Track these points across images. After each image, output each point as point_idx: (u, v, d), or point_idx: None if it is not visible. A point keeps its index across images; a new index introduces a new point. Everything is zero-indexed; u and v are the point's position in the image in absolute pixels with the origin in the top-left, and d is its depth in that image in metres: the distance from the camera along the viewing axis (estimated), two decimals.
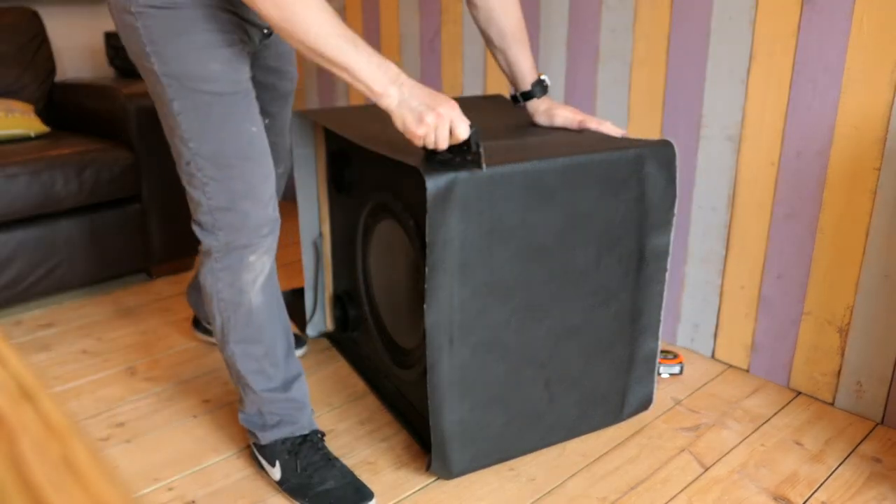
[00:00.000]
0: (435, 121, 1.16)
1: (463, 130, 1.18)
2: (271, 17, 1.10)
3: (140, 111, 2.21)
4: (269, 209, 1.32)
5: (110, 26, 2.88)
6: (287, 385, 1.41)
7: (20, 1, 2.63)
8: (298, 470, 1.38)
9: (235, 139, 1.27)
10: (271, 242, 1.34)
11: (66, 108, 2.52)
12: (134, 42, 1.23)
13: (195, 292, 1.80)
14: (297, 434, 1.41)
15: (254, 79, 1.36)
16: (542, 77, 1.50)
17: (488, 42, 1.48)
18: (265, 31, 1.37)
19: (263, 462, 1.43)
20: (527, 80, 1.48)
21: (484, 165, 1.23)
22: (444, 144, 1.19)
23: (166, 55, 1.21)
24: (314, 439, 1.42)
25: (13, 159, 2.01)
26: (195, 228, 1.35)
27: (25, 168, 2.00)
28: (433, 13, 2.35)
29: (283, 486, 1.39)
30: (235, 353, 1.37)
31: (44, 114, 2.50)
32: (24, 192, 2.00)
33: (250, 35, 1.32)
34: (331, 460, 1.41)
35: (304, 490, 1.36)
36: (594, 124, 1.48)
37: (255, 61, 1.45)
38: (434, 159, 1.25)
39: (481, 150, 1.22)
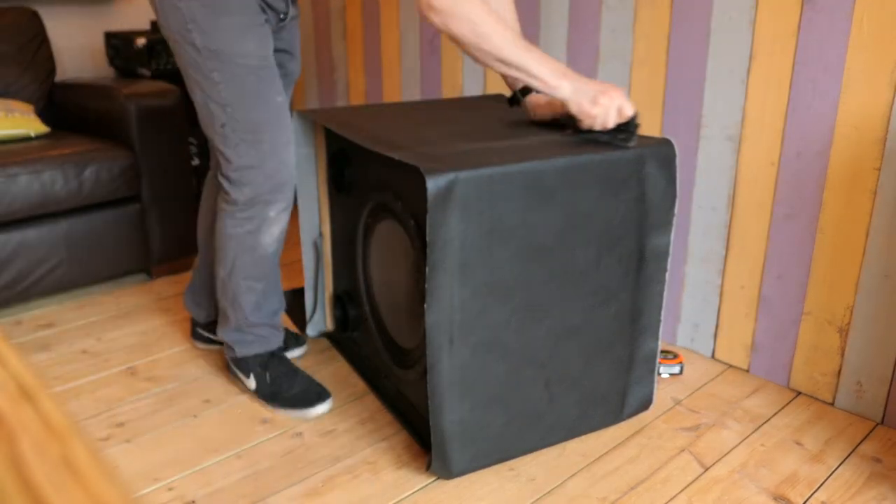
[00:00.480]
0: (608, 102, 1.34)
1: (629, 109, 1.37)
2: (464, 35, 1.31)
3: (140, 111, 2.21)
4: (289, 170, 1.53)
5: (110, 26, 2.88)
6: (272, 314, 1.69)
7: (20, 1, 2.63)
8: (269, 381, 1.66)
9: (265, 107, 1.48)
10: (290, 199, 1.56)
11: (66, 108, 2.52)
12: (176, 21, 1.43)
13: (194, 295, 1.87)
14: (268, 351, 1.69)
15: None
16: None
17: None
18: (281, 16, 1.58)
19: (238, 373, 1.71)
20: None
21: (632, 143, 1.39)
22: (612, 123, 1.37)
23: (209, 33, 1.42)
24: (279, 354, 1.71)
25: (13, 159, 2.01)
26: (223, 181, 1.55)
27: (25, 168, 2.00)
28: None
29: (258, 394, 1.67)
30: (240, 286, 1.61)
31: (44, 114, 2.50)
32: (24, 191, 2.00)
33: (269, 19, 1.53)
34: (295, 370, 1.69)
35: (276, 396, 1.65)
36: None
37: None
38: (589, 137, 1.43)
39: (636, 130, 1.40)
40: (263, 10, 1.50)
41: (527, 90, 1.51)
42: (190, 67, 1.48)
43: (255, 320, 1.65)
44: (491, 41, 1.30)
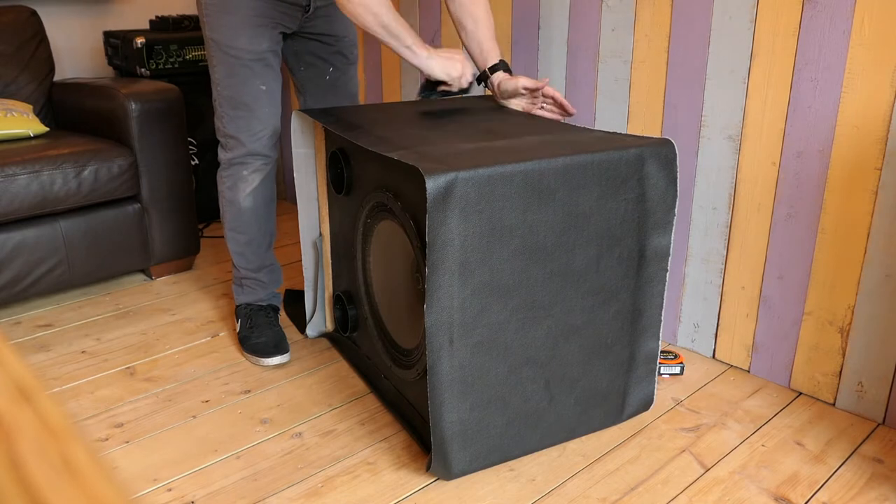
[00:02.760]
0: (461, 66, 1.70)
1: (469, 66, 1.73)
2: (358, 6, 1.59)
3: (140, 111, 2.21)
4: (261, 143, 1.84)
5: (110, 25, 2.88)
6: (259, 269, 1.96)
7: (19, 0, 2.62)
8: (248, 326, 1.94)
9: (247, 92, 1.80)
10: (260, 166, 1.86)
11: (65, 108, 2.51)
12: (200, 13, 1.82)
13: None
14: (257, 303, 1.98)
15: (314, 43, 1.94)
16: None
17: (462, 29, 1.78)
18: (306, 7, 1.83)
19: (236, 318, 2.01)
20: (494, 58, 1.77)
21: (472, 90, 1.77)
22: (466, 82, 1.72)
23: (212, 26, 1.77)
24: (267, 310, 1.98)
25: (12, 159, 2.00)
26: (219, 147, 1.89)
27: (25, 168, 2.00)
28: (433, 13, 2.34)
29: (238, 335, 1.96)
30: (228, 235, 1.94)
31: (43, 113, 2.50)
32: (24, 191, 2.00)
33: (291, 14, 1.82)
34: (272, 325, 1.94)
35: (245, 340, 1.92)
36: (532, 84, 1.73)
37: (305, 31, 1.91)
38: (434, 90, 1.75)
39: (473, 80, 1.75)
40: (273, 12, 1.77)
41: (494, 68, 1.76)
42: (206, 50, 1.87)
43: (243, 271, 1.96)
44: (379, 11, 1.60)
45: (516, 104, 1.77)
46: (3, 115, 2.21)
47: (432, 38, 2.37)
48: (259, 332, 1.92)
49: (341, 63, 2.00)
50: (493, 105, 1.82)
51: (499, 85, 1.75)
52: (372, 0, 1.59)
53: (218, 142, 1.88)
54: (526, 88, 1.72)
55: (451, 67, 1.68)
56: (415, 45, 1.65)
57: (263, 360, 1.86)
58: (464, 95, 1.77)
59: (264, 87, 1.81)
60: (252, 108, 1.80)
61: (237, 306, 2.00)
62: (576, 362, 1.45)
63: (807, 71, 1.55)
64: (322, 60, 1.96)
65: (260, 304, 1.98)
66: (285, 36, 1.88)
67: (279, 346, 1.88)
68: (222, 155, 1.87)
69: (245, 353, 1.90)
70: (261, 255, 1.96)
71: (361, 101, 2.72)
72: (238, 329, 1.97)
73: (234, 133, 1.82)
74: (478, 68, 1.79)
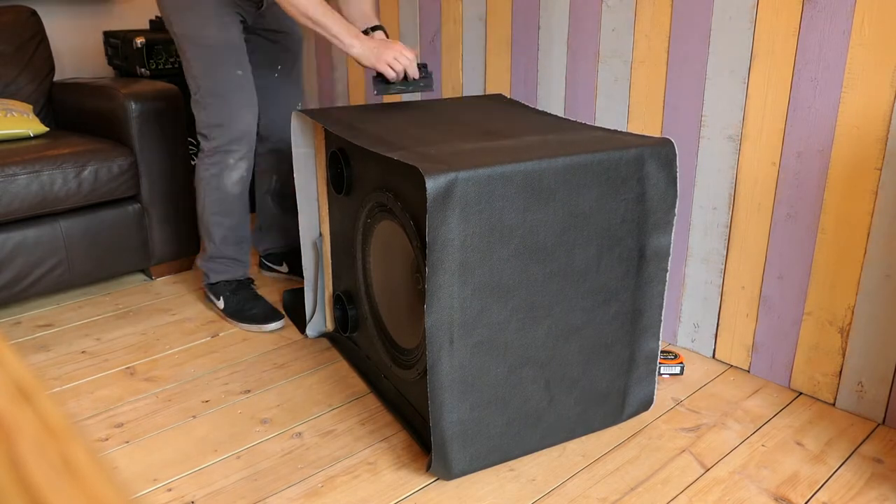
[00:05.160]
0: (390, 56, 1.74)
1: (407, 59, 1.77)
2: None
3: (140, 111, 2.21)
4: (246, 126, 1.92)
5: (109, 25, 2.88)
6: (238, 244, 2.07)
7: (19, 0, 2.62)
8: (235, 302, 2.06)
9: (226, 79, 1.88)
10: (247, 151, 1.96)
11: (65, 108, 2.51)
12: (163, 13, 1.89)
13: (257, 233, 2.37)
14: (235, 279, 2.09)
15: (261, 39, 2.05)
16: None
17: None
18: (258, 2, 1.94)
19: (211, 296, 2.11)
20: (374, 21, 1.89)
21: (432, 87, 1.83)
22: (414, 64, 1.79)
23: (180, 23, 1.86)
24: (247, 284, 2.12)
25: (12, 159, 2.00)
26: (199, 136, 1.96)
27: (24, 168, 2.00)
28: (433, 13, 2.34)
29: (225, 311, 2.07)
30: (212, 221, 2.02)
31: (43, 113, 2.50)
32: (24, 191, 2.00)
33: (247, 8, 1.94)
34: (257, 297, 2.09)
35: (239, 314, 2.04)
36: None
37: (258, 26, 2.02)
38: (386, 84, 1.79)
39: (431, 75, 1.82)
40: (232, 3, 1.88)
41: (377, 28, 1.86)
42: (178, 50, 1.92)
43: (224, 250, 2.05)
44: (301, 4, 1.69)
45: None
46: (3, 115, 2.21)
47: (432, 38, 2.37)
48: (251, 304, 2.05)
49: (288, 59, 2.13)
50: (493, 104, 1.82)
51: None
52: None
53: (199, 133, 1.96)
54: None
55: (383, 54, 1.73)
56: (341, 33, 1.71)
57: (265, 326, 1.99)
58: (422, 89, 1.82)
59: (241, 72, 1.90)
60: (233, 93, 1.89)
61: (213, 284, 2.09)
62: (576, 362, 1.45)
63: (807, 71, 1.55)
64: (269, 56, 2.09)
65: (240, 278, 2.10)
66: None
67: (275, 313, 2.03)
68: (206, 144, 1.94)
69: (240, 324, 2.02)
70: (241, 233, 2.07)
71: (362, 101, 2.72)
72: (223, 306, 2.06)
73: (218, 121, 1.90)
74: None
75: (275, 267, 2.40)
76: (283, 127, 2.23)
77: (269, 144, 2.24)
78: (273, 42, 2.09)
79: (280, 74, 2.15)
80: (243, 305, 2.04)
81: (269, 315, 2.03)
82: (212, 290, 2.10)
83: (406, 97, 2.37)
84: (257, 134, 2.22)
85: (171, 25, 1.88)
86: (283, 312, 2.08)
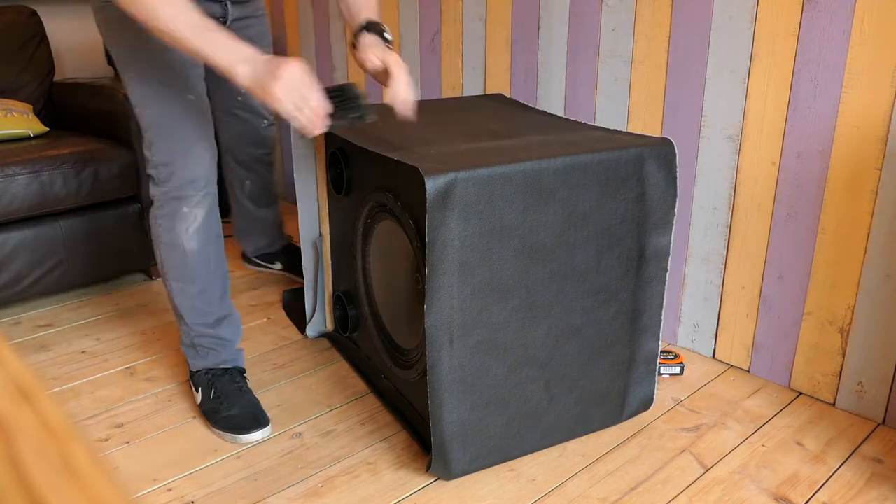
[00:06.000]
0: (284, 93, 1.23)
1: (313, 98, 1.25)
2: (134, 12, 1.23)
3: None
4: (202, 167, 1.52)
5: None
6: (217, 322, 1.64)
7: (19, 0, 2.62)
8: (212, 397, 1.61)
9: (170, 106, 1.48)
10: (203, 196, 1.54)
11: (65, 108, 2.51)
12: (101, 32, 1.51)
13: (240, 233, 2.24)
14: (220, 367, 1.65)
15: None
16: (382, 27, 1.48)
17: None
18: (220, 20, 1.63)
19: (192, 386, 1.68)
20: (370, 14, 1.48)
21: (370, 118, 1.32)
22: (304, 113, 1.27)
23: (119, 38, 1.46)
24: (234, 374, 1.65)
25: (12, 159, 2.00)
26: (148, 181, 1.57)
27: (24, 168, 2.00)
28: (433, 13, 2.34)
29: (201, 408, 1.62)
30: (172, 288, 1.60)
31: (43, 113, 2.50)
32: (23, 191, 2.00)
33: (210, 12, 1.53)
34: (242, 391, 1.62)
35: (214, 414, 1.58)
36: (395, 69, 1.39)
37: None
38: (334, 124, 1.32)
39: (362, 103, 1.31)
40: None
41: (371, 27, 1.44)
42: (118, 68, 1.51)
43: (198, 328, 1.62)
44: (160, 20, 1.21)
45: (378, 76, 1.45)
46: (3, 115, 2.21)
47: (432, 38, 2.37)
48: (229, 402, 1.58)
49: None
50: (493, 104, 1.82)
51: (364, 52, 1.43)
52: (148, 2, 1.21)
53: (148, 176, 1.57)
54: (386, 81, 1.41)
55: (273, 88, 1.22)
56: (216, 53, 1.23)
57: (241, 436, 1.53)
58: (356, 122, 1.34)
59: (192, 97, 1.51)
60: (183, 124, 1.49)
61: (192, 373, 1.67)
62: (576, 362, 1.45)
63: (807, 71, 1.55)
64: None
65: (223, 366, 1.65)
66: None
67: (258, 418, 1.56)
68: (154, 190, 1.55)
69: (215, 429, 1.56)
70: (216, 306, 1.63)
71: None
72: (199, 401, 1.63)
73: (167, 159, 1.50)
74: (348, 26, 1.50)
75: (269, 266, 2.33)
76: (253, 140, 2.04)
77: (240, 155, 2.07)
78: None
79: (242, 97, 1.87)
80: (221, 403, 1.58)
81: (250, 420, 1.56)
82: (192, 378, 1.68)
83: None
84: (225, 147, 2.05)
85: (110, 44, 1.50)
86: (267, 416, 1.58)
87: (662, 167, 1.40)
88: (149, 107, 1.49)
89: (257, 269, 2.37)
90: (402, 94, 1.39)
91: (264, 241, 2.28)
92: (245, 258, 2.37)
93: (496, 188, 1.26)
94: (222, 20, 1.64)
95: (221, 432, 1.55)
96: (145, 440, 1.56)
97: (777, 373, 1.75)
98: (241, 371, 1.68)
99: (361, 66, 1.45)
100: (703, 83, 1.73)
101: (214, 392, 1.61)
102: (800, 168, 1.61)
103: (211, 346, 1.64)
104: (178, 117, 1.49)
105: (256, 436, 1.54)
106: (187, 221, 1.54)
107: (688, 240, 1.85)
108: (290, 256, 2.31)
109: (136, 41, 1.45)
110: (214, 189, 1.57)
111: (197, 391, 1.64)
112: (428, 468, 1.42)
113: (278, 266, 2.31)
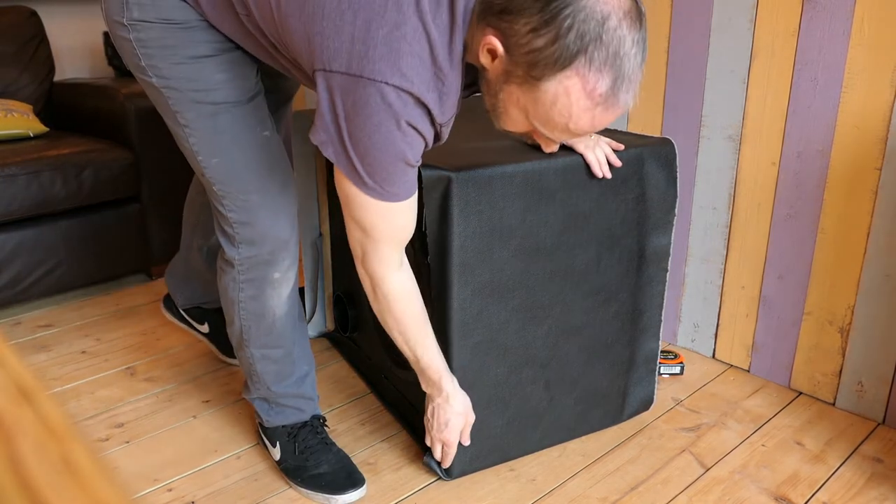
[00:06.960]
0: (441, 436, 1.34)
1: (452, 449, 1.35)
2: (389, 316, 1.23)
3: (140, 111, 2.21)
4: (291, 220, 1.28)
5: None
6: (302, 380, 1.44)
7: (19, 0, 2.62)
8: (296, 453, 1.42)
9: (246, 149, 1.21)
10: (294, 257, 1.31)
11: (65, 108, 2.51)
12: (128, 54, 1.17)
13: (174, 279, 1.77)
14: (300, 421, 1.45)
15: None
16: None
17: None
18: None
19: (266, 440, 1.48)
20: None
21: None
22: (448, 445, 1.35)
23: (164, 68, 1.15)
24: (315, 424, 1.46)
25: (12, 159, 2.00)
26: (220, 236, 1.30)
27: (24, 168, 2.00)
28: None
29: (281, 465, 1.44)
30: (255, 356, 1.39)
31: (43, 114, 2.50)
32: (24, 192, 2.00)
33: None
34: (328, 444, 1.44)
35: (300, 472, 1.40)
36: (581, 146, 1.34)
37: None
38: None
39: None
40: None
41: None
42: (158, 109, 1.23)
43: (281, 391, 1.42)
44: (398, 324, 1.24)
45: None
46: (3, 115, 2.21)
47: None
48: (316, 458, 1.41)
49: (284, 110, 1.54)
50: None
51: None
52: (400, 298, 1.20)
53: (222, 232, 1.30)
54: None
55: (434, 418, 1.32)
56: (430, 368, 1.27)
57: (335, 497, 1.36)
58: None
59: (267, 134, 1.24)
60: (261, 171, 1.23)
61: (266, 428, 1.47)
62: (576, 362, 1.45)
63: (807, 71, 1.55)
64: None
65: (304, 420, 1.46)
66: None
67: (352, 476, 1.39)
68: (232, 252, 1.29)
69: (301, 489, 1.39)
70: (301, 362, 1.44)
71: None
72: (278, 457, 1.44)
73: (249, 218, 1.25)
74: None
75: (195, 325, 1.82)
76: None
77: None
78: (269, 88, 1.38)
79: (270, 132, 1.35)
80: (307, 460, 1.41)
81: (343, 478, 1.38)
82: (265, 432, 1.48)
83: None
84: (200, 187, 1.61)
85: (145, 73, 1.17)
86: (361, 474, 1.41)
87: (663, 167, 1.40)
88: (216, 154, 1.20)
89: (179, 323, 1.85)
90: (596, 170, 1.33)
91: (203, 297, 1.77)
92: (169, 307, 1.86)
93: (496, 188, 1.26)
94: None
95: (311, 492, 1.38)
96: (145, 440, 1.56)
97: (777, 373, 1.76)
98: (322, 418, 1.48)
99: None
100: (702, 83, 1.73)
101: (298, 447, 1.42)
102: (800, 168, 1.61)
103: (294, 406, 1.44)
104: (254, 164, 1.22)
105: (354, 496, 1.36)
106: (280, 288, 1.32)
107: (688, 240, 1.85)
108: (222, 322, 1.77)
109: (193, 73, 1.15)
110: (298, 244, 1.34)
111: (274, 446, 1.45)
112: (427, 465, 1.42)
113: (205, 328, 1.81)
